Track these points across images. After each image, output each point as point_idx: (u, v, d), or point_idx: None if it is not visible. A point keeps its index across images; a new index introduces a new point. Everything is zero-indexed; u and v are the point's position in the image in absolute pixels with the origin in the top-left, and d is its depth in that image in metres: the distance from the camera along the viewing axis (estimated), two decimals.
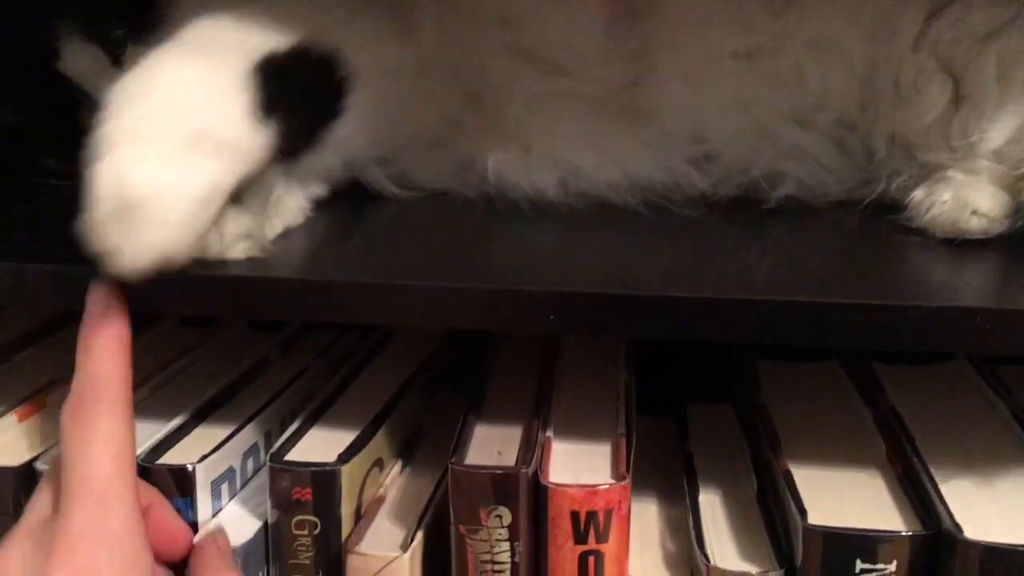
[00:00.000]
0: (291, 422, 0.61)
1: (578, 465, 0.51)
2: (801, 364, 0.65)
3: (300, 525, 0.51)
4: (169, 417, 0.57)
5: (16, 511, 0.52)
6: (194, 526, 0.52)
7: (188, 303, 0.50)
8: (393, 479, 0.58)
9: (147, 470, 0.52)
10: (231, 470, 0.55)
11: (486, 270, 0.51)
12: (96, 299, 0.48)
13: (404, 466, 0.60)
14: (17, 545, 0.45)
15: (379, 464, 0.56)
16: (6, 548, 0.45)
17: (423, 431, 0.64)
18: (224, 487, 0.54)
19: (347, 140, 0.56)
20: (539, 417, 0.55)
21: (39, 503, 0.47)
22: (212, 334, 0.71)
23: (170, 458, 0.53)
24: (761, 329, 0.44)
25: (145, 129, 0.45)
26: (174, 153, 0.44)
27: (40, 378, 0.62)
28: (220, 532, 0.52)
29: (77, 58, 0.60)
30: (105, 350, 0.47)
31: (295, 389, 0.62)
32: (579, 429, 0.55)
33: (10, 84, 0.66)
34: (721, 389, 0.68)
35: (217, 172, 0.46)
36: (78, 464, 0.45)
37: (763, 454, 0.57)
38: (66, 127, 0.58)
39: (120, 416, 0.46)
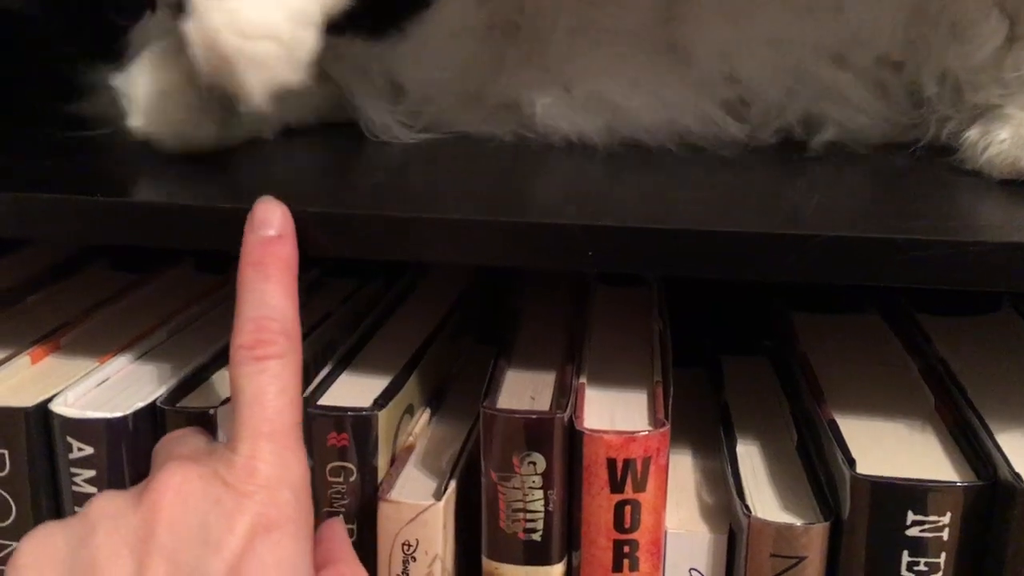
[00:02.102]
0: (316, 367, 0.59)
1: (613, 412, 0.49)
2: (840, 316, 0.63)
3: (335, 472, 0.49)
4: (185, 361, 0.55)
5: (30, 452, 0.50)
6: None
7: (200, 239, 0.48)
8: (423, 427, 0.56)
9: (165, 413, 0.50)
10: None
11: (521, 205, 0.49)
12: (270, 219, 0.44)
13: (432, 414, 0.58)
14: (190, 468, 0.41)
15: (410, 411, 0.54)
16: (173, 469, 0.41)
17: (450, 379, 0.62)
18: None
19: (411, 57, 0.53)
20: (573, 363, 0.53)
21: (189, 437, 0.46)
22: (229, 278, 0.69)
23: (191, 401, 0.51)
24: (809, 266, 0.42)
25: None
26: None
27: (53, 320, 0.60)
28: (339, 520, 0.50)
29: None
30: (282, 282, 0.44)
31: (319, 334, 0.60)
32: (613, 376, 0.53)
33: None
34: (755, 341, 0.66)
35: None
36: (257, 406, 0.42)
37: (803, 405, 0.55)
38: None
39: (294, 358, 0.43)
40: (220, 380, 0.54)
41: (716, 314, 0.67)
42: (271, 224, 0.44)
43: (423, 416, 0.57)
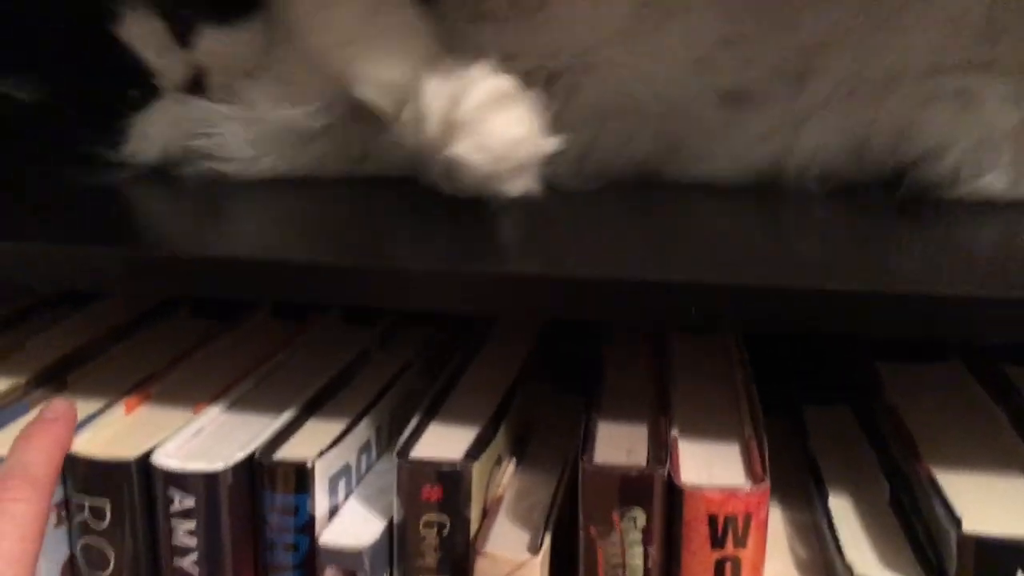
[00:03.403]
0: (400, 418, 0.59)
1: (709, 466, 0.49)
2: (921, 365, 0.63)
3: (428, 524, 0.49)
4: (277, 411, 0.56)
5: (131, 504, 0.51)
6: (311, 522, 0.51)
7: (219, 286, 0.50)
8: (509, 477, 0.56)
9: (262, 465, 0.51)
10: (347, 466, 0.53)
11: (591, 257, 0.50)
12: (54, 408, 0.52)
13: (517, 463, 0.58)
14: None
15: (498, 461, 0.55)
16: None
17: (531, 426, 0.62)
18: (341, 484, 0.53)
19: None
20: (664, 415, 0.53)
21: None
22: (304, 327, 0.70)
23: (287, 453, 0.52)
24: (912, 324, 0.42)
25: None
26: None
27: (142, 370, 0.61)
28: None
29: (139, 28, 0.59)
30: (43, 448, 0.49)
31: (401, 385, 0.61)
32: (704, 427, 0.53)
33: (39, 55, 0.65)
34: (834, 390, 0.66)
35: None
36: None
37: (893, 457, 0.55)
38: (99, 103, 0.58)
39: (39, 508, 0.47)
40: (313, 431, 0.55)
41: (794, 361, 0.67)
42: (53, 411, 0.52)
43: (509, 466, 0.57)
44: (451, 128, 0.51)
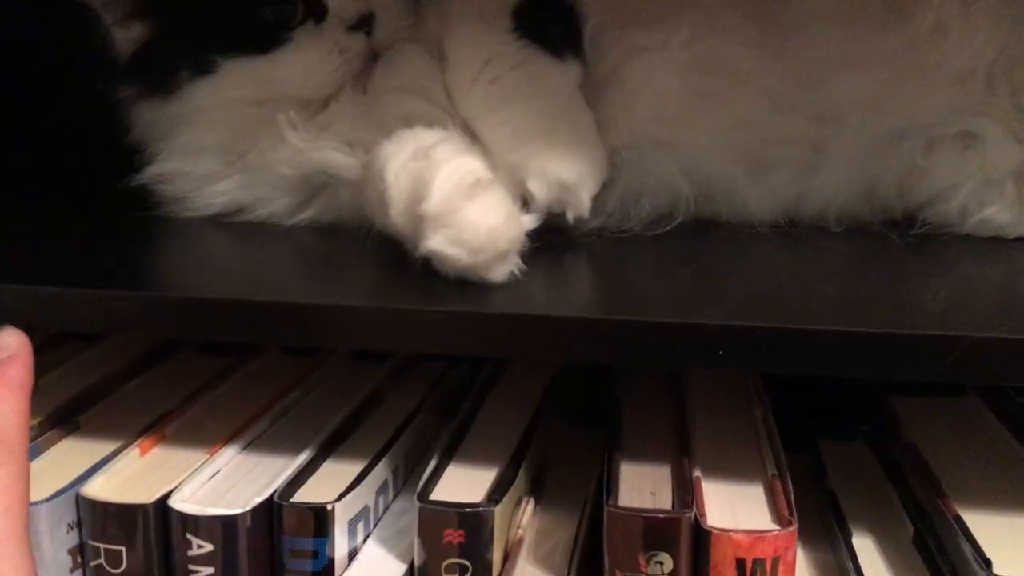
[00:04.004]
0: (416, 455, 0.59)
1: (734, 507, 0.49)
2: (937, 399, 0.63)
3: (450, 569, 0.48)
4: (293, 451, 0.55)
5: (147, 549, 0.50)
6: (330, 565, 0.50)
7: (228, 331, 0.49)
8: (528, 518, 0.55)
9: (282, 508, 0.50)
10: (366, 508, 0.53)
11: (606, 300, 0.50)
12: (4, 345, 0.47)
13: (536, 503, 0.57)
14: None
15: (518, 502, 0.54)
16: None
17: (547, 465, 0.61)
18: (360, 525, 0.52)
19: None
20: (687, 455, 0.52)
21: None
22: (316, 363, 0.69)
23: (304, 495, 0.51)
24: (947, 368, 0.42)
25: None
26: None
27: (154, 409, 0.61)
28: None
29: None
30: (5, 398, 0.45)
31: (417, 421, 0.60)
32: (727, 467, 0.52)
33: None
34: (849, 424, 0.65)
35: None
36: None
37: (915, 495, 0.54)
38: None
39: (15, 467, 0.43)
40: (330, 472, 0.54)
41: (807, 395, 0.67)
42: (5, 349, 0.47)
43: (528, 506, 0.56)
44: (421, 221, 0.47)
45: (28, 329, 0.49)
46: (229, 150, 0.60)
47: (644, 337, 0.44)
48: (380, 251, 0.53)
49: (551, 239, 0.54)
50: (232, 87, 0.58)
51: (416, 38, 0.60)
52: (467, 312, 0.46)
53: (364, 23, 0.58)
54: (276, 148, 0.59)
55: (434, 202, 0.47)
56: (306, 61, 0.57)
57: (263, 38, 0.57)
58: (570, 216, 0.55)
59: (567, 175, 0.53)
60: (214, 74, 0.58)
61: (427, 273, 0.49)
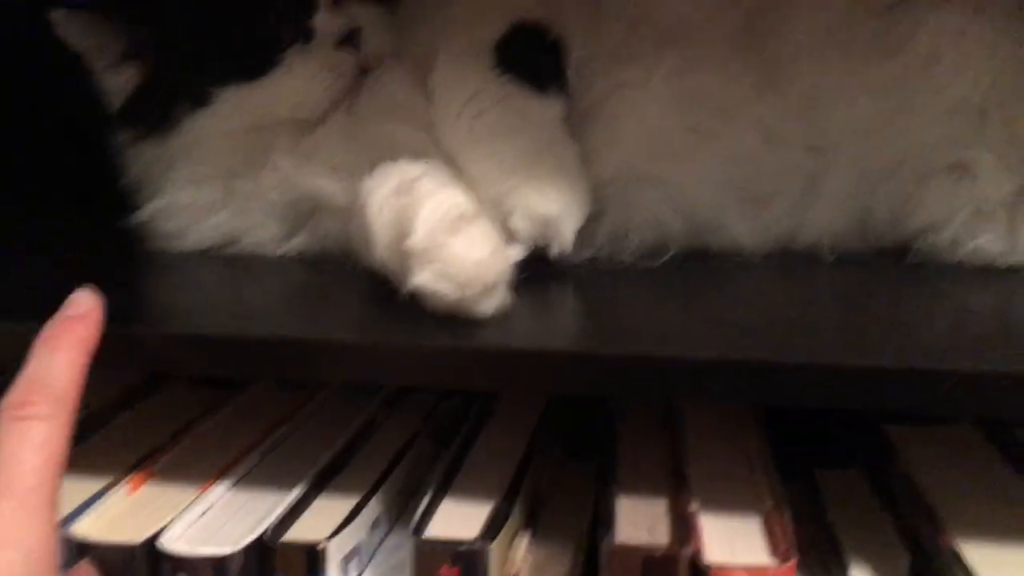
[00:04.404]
0: (410, 490, 0.58)
1: (732, 542, 0.49)
2: (932, 428, 0.62)
3: None
4: (285, 487, 0.55)
5: None
6: None
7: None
8: (523, 553, 0.55)
9: (272, 547, 0.49)
10: (359, 545, 0.52)
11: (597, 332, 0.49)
12: (77, 303, 0.46)
13: (531, 536, 0.57)
14: None
15: (514, 537, 0.53)
16: None
17: (541, 496, 0.61)
18: (353, 563, 0.52)
19: None
20: (683, 488, 0.52)
21: None
22: (307, 395, 0.69)
23: (297, 533, 0.51)
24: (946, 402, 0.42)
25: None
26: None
27: (143, 445, 0.60)
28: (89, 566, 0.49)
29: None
30: (66, 351, 0.45)
31: (410, 455, 0.60)
32: (724, 501, 0.52)
33: None
34: (842, 451, 0.65)
35: None
36: (5, 465, 0.41)
37: (912, 526, 0.54)
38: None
39: (61, 424, 0.43)
40: (322, 508, 0.54)
41: (802, 422, 0.66)
42: (78, 307, 0.46)
43: (523, 540, 0.56)
44: (406, 257, 0.47)
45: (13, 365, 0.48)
46: (226, 179, 0.60)
47: (637, 371, 0.44)
48: (368, 282, 0.52)
49: (542, 271, 0.54)
50: (228, 116, 0.58)
51: (403, 55, 0.60)
52: (458, 347, 0.45)
53: (351, 38, 0.58)
54: (265, 174, 0.59)
55: (419, 237, 0.46)
56: (299, 82, 0.58)
57: (254, 63, 0.57)
58: (554, 251, 0.54)
59: (549, 209, 0.53)
60: (210, 105, 0.58)
61: (416, 305, 0.48)
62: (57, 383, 0.43)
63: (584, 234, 0.57)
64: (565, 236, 0.54)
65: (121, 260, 0.61)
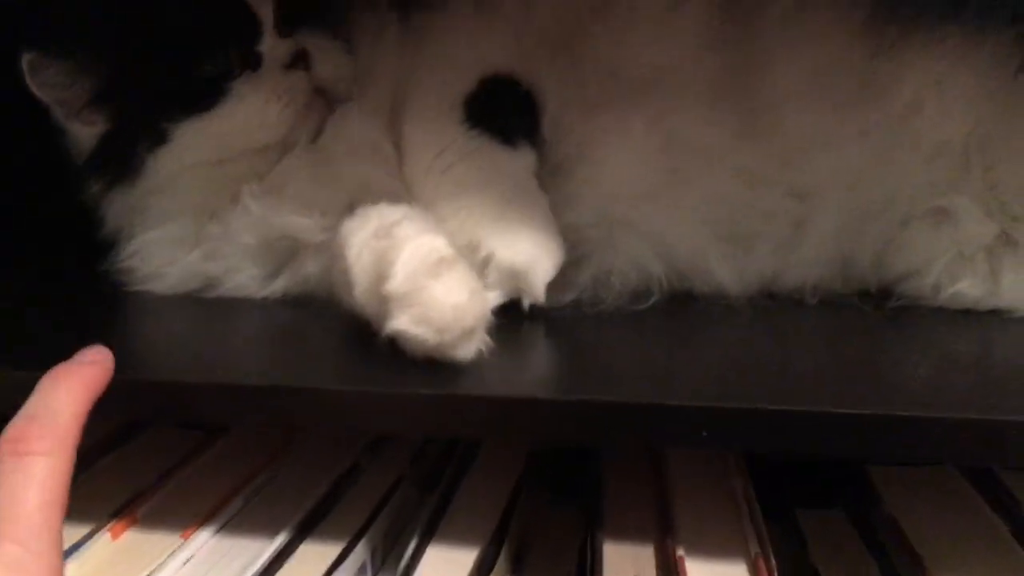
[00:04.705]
0: (395, 533, 0.58)
1: None
2: (914, 469, 0.63)
3: None
4: (269, 533, 0.54)
5: None
6: None
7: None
8: None
9: None
10: None
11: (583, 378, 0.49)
12: (87, 353, 0.46)
13: None
14: None
15: None
16: None
17: (527, 539, 0.61)
18: None
19: None
20: (669, 533, 0.52)
21: None
22: (290, 439, 0.68)
23: None
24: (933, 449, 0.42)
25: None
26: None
27: (127, 489, 0.60)
28: None
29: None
30: (70, 389, 0.44)
31: (395, 500, 0.60)
32: (709, 546, 0.52)
33: None
34: (824, 491, 0.65)
35: None
36: (7, 502, 0.40)
37: (894, 568, 0.54)
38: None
39: (62, 461, 0.42)
40: (307, 555, 0.53)
41: (784, 463, 0.67)
42: (87, 355, 0.46)
43: None
44: (385, 301, 0.47)
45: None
46: (196, 215, 0.61)
47: (622, 419, 0.44)
48: (349, 325, 0.52)
49: (523, 316, 0.54)
50: (188, 151, 0.59)
51: (369, 95, 0.61)
52: (439, 394, 0.45)
53: (299, 60, 0.59)
54: (237, 217, 0.59)
55: (398, 281, 0.46)
56: (252, 108, 0.58)
57: (206, 95, 0.58)
58: (525, 303, 0.54)
59: (516, 261, 0.52)
60: (168, 143, 0.58)
61: (396, 350, 0.48)
62: (59, 419, 0.43)
63: (566, 278, 0.57)
64: (535, 287, 0.53)
65: (101, 306, 0.61)
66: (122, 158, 0.59)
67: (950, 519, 0.57)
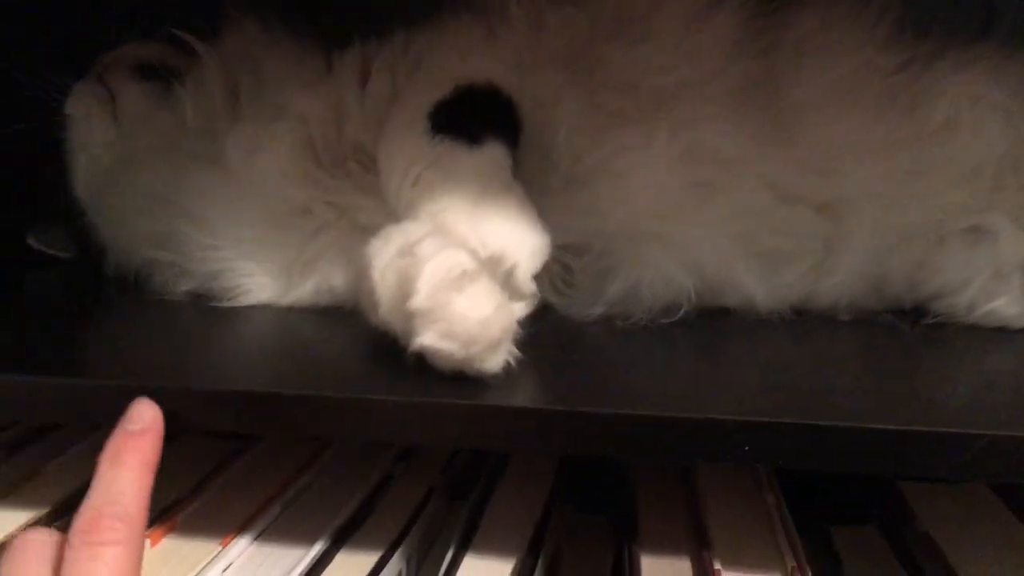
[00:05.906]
0: (430, 542, 0.59)
1: None
2: (946, 485, 0.63)
3: None
4: (306, 541, 0.55)
5: None
6: None
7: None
8: None
9: None
10: None
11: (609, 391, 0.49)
12: (138, 416, 0.46)
13: None
14: None
15: None
16: None
17: (559, 551, 0.61)
18: None
19: None
20: (706, 547, 0.52)
21: None
22: (324, 446, 0.69)
23: None
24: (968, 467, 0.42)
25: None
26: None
27: (164, 496, 0.60)
28: None
29: None
30: (134, 470, 0.44)
31: (429, 508, 0.60)
32: (746, 560, 0.52)
33: None
34: (856, 507, 0.65)
35: None
36: None
37: None
38: None
39: (135, 547, 0.43)
40: (344, 564, 0.54)
41: (817, 479, 0.67)
42: (139, 420, 0.46)
43: None
44: (411, 317, 0.47)
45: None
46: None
47: (655, 432, 0.44)
48: (378, 336, 0.52)
49: (553, 328, 0.54)
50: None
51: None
52: (464, 405, 0.45)
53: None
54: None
55: (422, 297, 0.46)
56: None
57: None
58: (517, 308, 0.53)
59: (495, 248, 0.51)
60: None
61: (424, 363, 0.48)
62: (129, 505, 0.43)
63: (595, 290, 0.57)
64: (520, 269, 0.52)
65: (125, 314, 0.62)
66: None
67: (983, 535, 0.57)
